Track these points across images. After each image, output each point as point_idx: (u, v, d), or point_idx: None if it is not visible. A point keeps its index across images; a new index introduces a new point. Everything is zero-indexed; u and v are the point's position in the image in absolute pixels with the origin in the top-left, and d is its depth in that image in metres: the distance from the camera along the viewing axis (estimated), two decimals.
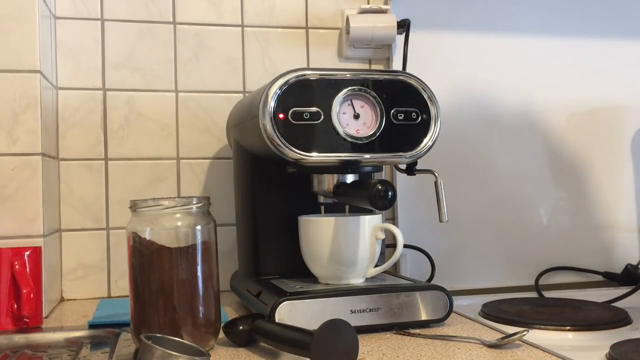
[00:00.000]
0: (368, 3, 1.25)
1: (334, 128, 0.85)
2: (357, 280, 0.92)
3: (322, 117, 0.85)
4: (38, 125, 0.97)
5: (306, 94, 0.85)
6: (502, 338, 0.77)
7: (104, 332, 0.89)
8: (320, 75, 0.86)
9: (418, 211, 1.19)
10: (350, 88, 0.86)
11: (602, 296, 1.04)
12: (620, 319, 0.89)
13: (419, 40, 1.20)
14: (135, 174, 1.17)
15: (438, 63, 1.23)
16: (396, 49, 1.23)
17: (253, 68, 1.22)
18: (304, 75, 0.86)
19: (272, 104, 0.83)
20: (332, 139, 0.85)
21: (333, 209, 0.95)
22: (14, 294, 0.92)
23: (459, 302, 0.95)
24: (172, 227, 0.76)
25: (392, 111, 0.88)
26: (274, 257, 0.98)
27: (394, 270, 1.16)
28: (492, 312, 0.93)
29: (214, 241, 0.80)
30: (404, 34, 1.18)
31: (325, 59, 1.25)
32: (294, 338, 0.71)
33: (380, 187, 0.80)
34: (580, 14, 1.29)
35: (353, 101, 0.87)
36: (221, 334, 0.80)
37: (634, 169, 1.29)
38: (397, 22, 1.19)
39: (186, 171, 1.19)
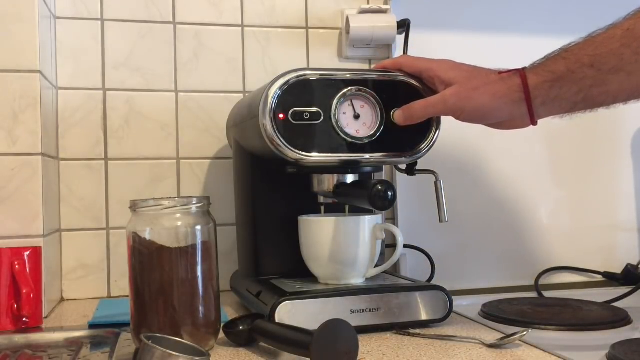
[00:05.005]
0: (368, 3, 1.25)
1: (334, 128, 0.85)
2: (357, 280, 0.92)
3: (322, 117, 0.85)
4: (38, 126, 0.97)
5: (306, 94, 0.85)
6: (502, 338, 0.77)
7: (104, 332, 0.89)
8: (320, 75, 0.86)
9: (418, 211, 1.19)
10: (350, 88, 0.86)
11: (602, 296, 1.04)
12: (620, 319, 0.89)
13: (419, 40, 1.19)
14: (135, 174, 1.17)
15: None
16: (396, 49, 1.23)
17: (253, 68, 1.22)
18: (304, 75, 0.85)
19: (272, 104, 0.83)
20: (332, 139, 0.85)
21: (333, 209, 0.95)
22: (14, 294, 0.91)
23: (459, 302, 0.94)
24: (172, 227, 0.76)
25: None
26: (274, 257, 0.98)
27: (394, 270, 1.16)
28: (492, 312, 0.93)
29: (214, 241, 0.80)
30: (404, 34, 1.18)
31: (325, 59, 1.25)
32: (294, 338, 0.71)
33: (380, 187, 0.80)
34: (580, 14, 1.29)
35: (353, 101, 0.87)
36: (221, 334, 0.80)
37: (634, 169, 1.29)
38: (397, 22, 1.19)
39: (186, 171, 1.19)
